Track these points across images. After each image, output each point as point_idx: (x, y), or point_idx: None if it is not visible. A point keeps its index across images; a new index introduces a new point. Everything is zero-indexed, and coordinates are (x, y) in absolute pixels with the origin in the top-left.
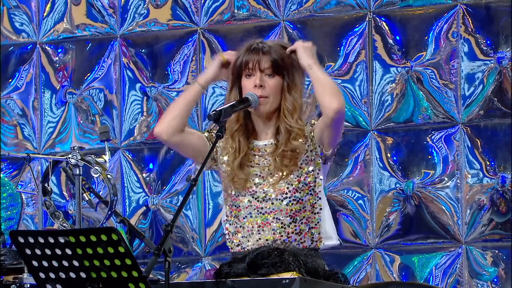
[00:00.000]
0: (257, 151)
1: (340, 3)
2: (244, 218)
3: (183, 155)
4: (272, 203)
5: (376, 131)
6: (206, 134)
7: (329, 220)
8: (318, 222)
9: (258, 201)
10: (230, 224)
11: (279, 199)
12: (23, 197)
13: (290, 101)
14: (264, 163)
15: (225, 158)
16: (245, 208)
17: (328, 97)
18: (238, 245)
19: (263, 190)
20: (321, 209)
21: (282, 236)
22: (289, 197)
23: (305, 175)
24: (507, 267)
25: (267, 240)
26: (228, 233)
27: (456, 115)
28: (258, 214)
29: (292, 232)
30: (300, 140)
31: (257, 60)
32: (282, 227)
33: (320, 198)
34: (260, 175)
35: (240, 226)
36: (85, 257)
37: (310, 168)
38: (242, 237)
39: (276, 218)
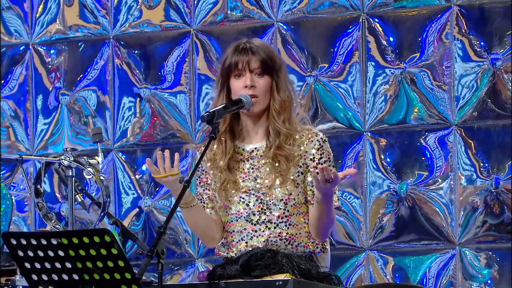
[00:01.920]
0: (245, 156)
1: (334, 4)
2: (237, 243)
3: None
4: (267, 226)
5: (369, 133)
6: (199, 190)
7: (329, 251)
8: (321, 250)
9: (252, 224)
10: (223, 246)
11: (274, 223)
12: (13, 199)
13: (278, 101)
14: (254, 168)
15: (214, 163)
16: (238, 232)
17: (319, 233)
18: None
19: (257, 211)
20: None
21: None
22: (285, 222)
23: (301, 205)
24: (501, 269)
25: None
26: (219, 253)
27: (449, 117)
28: (253, 237)
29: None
30: (289, 143)
31: (247, 61)
32: (277, 247)
33: None
34: (250, 183)
35: (235, 249)
36: (78, 259)
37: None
38: (236, 253)
39: (271, 240)
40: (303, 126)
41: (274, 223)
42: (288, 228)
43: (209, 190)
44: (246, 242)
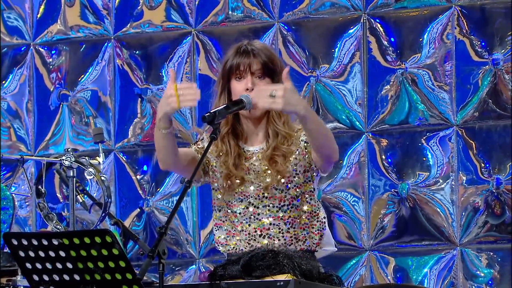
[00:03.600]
0: (248, 157)
1: (335, 5)
2: (239, 224)
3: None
4: (269, 210)
5: (370, 133)
6: (193, 147)
7: (327, 227)
8: (319, 229)
9: (254, 207)
10: (223, 229)
11: (277, 206)
12: (15, 199)
13: None
14: (256, 169)
15: (218, 160)
16: (240, 214)
17: (326, 151)
18: (233, 248)
19: (259, 196)
20: (324, 217)
21: (279, 240)
22: (287, 205)
23: (302, 184)
24: (502, 269)
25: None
26: (218, 240)
27: (451, 117)
28: (254, 220)
29: (291, 237)
30: (287, 144)
31: (248, 63)
32: (280, 232)
33: (318, 206)
34: (254, 182)
35: (236, 231)
36: (79, 259)
37: (308, 177)
38: (239, 240)
39: (273, 224)
40: (298, 126)
41: (277, 206)
42: (290, 211)
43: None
44: (249, 224)
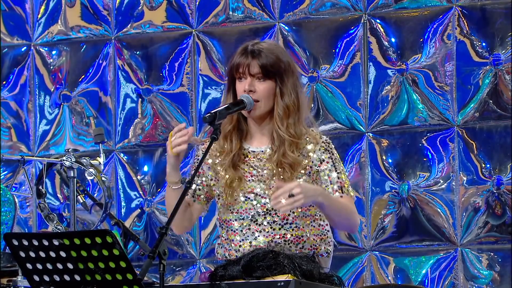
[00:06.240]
0: (251, 157)
1: (335, 5)
2: (240, 242)
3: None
4: (272, 227)
5: (371, 134)
6: (193, 170)
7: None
8: (327, 252)
9: (257, 224)
10: (223, 247)
11: (279, 224)
12: (16, 200)
13: (281, 106)
14: (259, 170)
15: (217, 160)
16: (242, 231)
17: (339, 227)
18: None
19: (261, 212)
20: (331, 240)
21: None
22: (290, 223)
23: (307, 207)
24: (502, 270)
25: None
26: (218, 257)
27: (451, 118)
28: (256, 237)
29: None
30: (293, 152)
31: (247, 64)
32: (282, 250)
33: (327, 229)
34: (256, 183)
35: (236, 251)
36: (79, 259)
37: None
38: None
39: (275, 242)
40: (308, 129)
41: (279, 224)
42: (293, 230)
43: (201, 179)
44: (250, 242)
